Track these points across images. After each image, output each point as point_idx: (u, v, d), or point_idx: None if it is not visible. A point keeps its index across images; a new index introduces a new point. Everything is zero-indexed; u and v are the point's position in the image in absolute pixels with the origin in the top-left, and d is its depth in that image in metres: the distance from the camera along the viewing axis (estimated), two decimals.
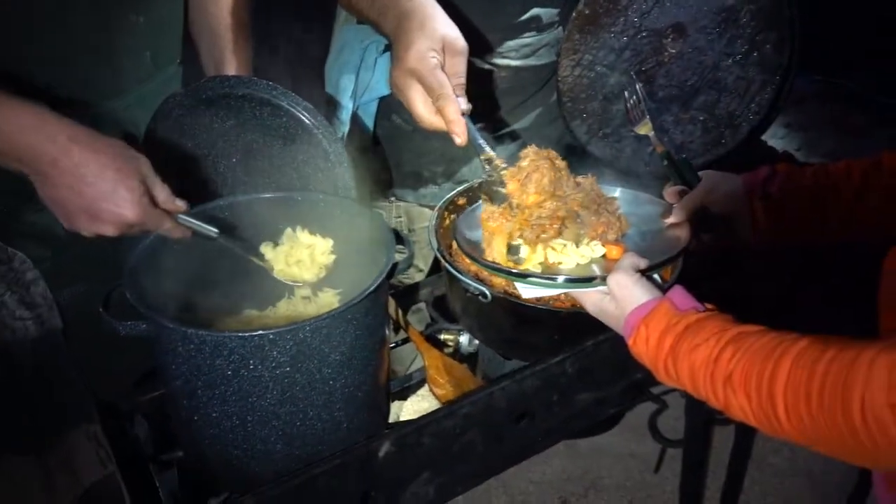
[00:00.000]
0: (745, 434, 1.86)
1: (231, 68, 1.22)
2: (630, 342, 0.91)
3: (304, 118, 1.11)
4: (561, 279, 1.01)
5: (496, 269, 1.06)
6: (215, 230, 1.02)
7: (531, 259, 1.07)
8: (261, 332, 0.85)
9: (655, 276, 1.03)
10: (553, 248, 1.07)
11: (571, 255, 1.06)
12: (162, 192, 0.96)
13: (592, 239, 1.10)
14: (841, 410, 0.68)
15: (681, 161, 1.18)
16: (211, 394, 0.90)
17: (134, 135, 1.22)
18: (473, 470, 1.07)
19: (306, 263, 1.07)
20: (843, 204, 1.03)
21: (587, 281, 1.00)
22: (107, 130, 1.18)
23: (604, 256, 1.08)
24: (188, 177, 1.19)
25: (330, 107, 1.44)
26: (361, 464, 0.92)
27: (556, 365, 1.08)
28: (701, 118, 1.39)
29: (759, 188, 1.08)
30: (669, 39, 1.29)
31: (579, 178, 1.21)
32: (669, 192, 1.17)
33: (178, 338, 0.87)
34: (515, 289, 1.22)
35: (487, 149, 1.09)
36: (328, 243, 1.11)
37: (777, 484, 2.18)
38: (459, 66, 1.05)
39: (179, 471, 1.07)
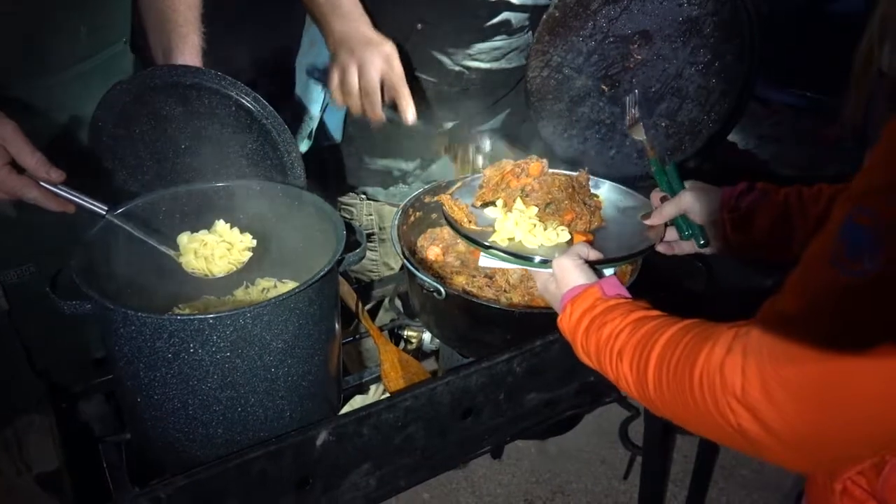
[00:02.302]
0: (710, 444, 1.86)
1: (180, 56, 1.21)
2: (558, 319, 0.98)
3: (252, 108, 1.12)
4: (516, 256, 1.08)
5: (465, 235, 1.14)
6: (104, 207, 0.99)
7: (501, 232, 1.13)
8: (200, 316, 0.87)
9: (609, 271, 1.06)
10: (520, 212, 1.14)
11: (538, 235, 1.12)
12: (31, 159, 0.94)
13: (561, 224, 1.15)
14: (688, 376, 0.73)
15: (669, 167, 1.21)
16: (152, 376, 0.91)
17: (79, 115, 1.21)
18: (416, 463, 1.07)
19: (214, 258, 1.07)
20: (809, 227, 1.05)
21: (535, 260, 1.07)
22: (42, 108, 1.19)
23: (569, 243, 1.13)
24: (138, 163, 1.19)
25: (303, 97, 1.46)
26: (298, 451, 0.93)
27: (504, 363, 1.09)
28: (663, 124, 1.41)
29: (732, 200, 1.12)
30: (636, 46, 1.31)
31: (573, 173, 1.27)
32: (655, 195, 1.22)
33: (120, 319, 0.88)
34: (472, 288, 1.24)
35: None
36: (247, 240, 1.10)
37: (744, 496, 2.18)
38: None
39: (127, 453, 1.08)
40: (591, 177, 1.29)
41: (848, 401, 0.64)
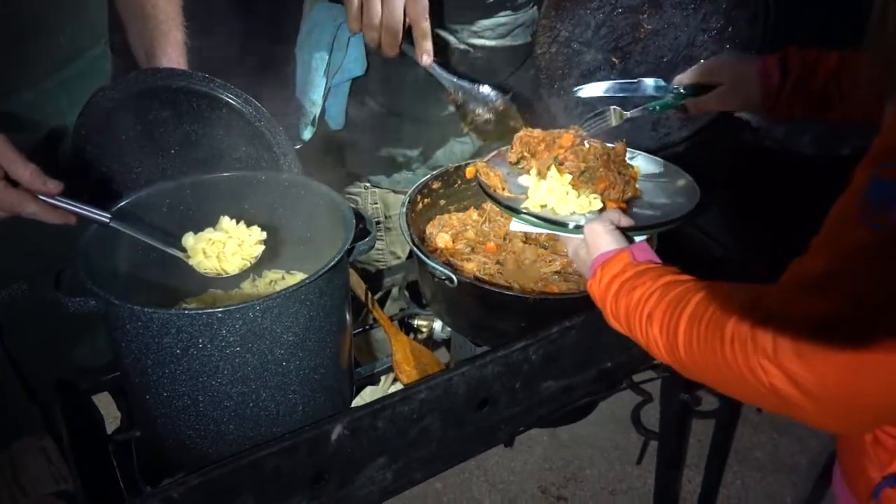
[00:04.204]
0: (725, 428, 1.84)
1: (163, 56, 1.17)
2: (588, 284, 0.98)
3: (243, 110, 1.08)
4: (547, 221, 1.08)
5: (498, 200, 1.13)
6: (106, 215, 0.95)
7: (533, 198, 1.12)
8: (208, 310, 0.84)
9: (640, 238, 1.04)
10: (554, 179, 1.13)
11: (571, 202, 1.11)
12: (25, 172, 0.89)
13: (594, 192, 1.13)
14: (719, 338, 0.74)
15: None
16: (161, 372, 0.89)
17: (62, 125, 1.16)
18: (432, 455, 1.05)
19: (226, 256, 1.03)
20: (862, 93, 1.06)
21: (568, 226, 1.06)
22: (24, 121, 1.13)
23: (602, 211, 1.11)
24: (127, 170, 1.15)
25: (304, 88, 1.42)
26: (312, 446, 0.91)
27: (519, 351, 1.06)
28: None
29: (777, 67, 1.13)
30: (645, 15, 1.28)
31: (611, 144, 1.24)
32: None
33: (126, 315, 0.86)
34: (484, 275, 1.22)
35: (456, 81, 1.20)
36: (257, 233, 1.07)
37: (759, 479, 2.16)
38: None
39: (137, 451, 1.06)
40: (630, 150, 1.26)
41: (880, 359, 0.64)
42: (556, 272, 1.24)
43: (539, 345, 1.08)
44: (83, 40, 1.21)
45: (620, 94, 1.25)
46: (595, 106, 1.34)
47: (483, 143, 1.25)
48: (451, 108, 1.42)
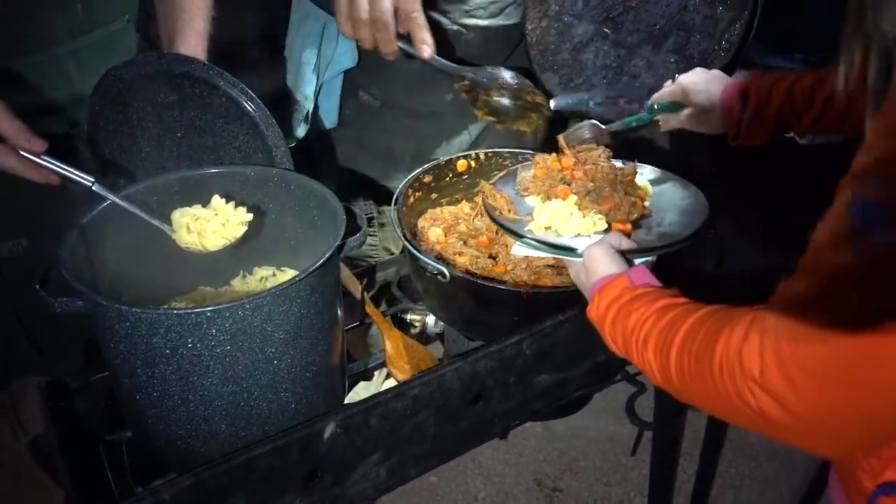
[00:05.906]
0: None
1: (182, 42, 1.17)
2: (587, 309, 0.98)
3: (239, 100, 1.08)
4: (549, 245, 1.06)
5: (500, 224, 1.12)
6: (90, 178, 0.96)
7: (538, 220, 1.11)
8: (197, 309, 0.83)
9: (641, 261, 1.02)
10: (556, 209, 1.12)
11: (575, 224, 1.10)
12: (10, 127, 0.91)
13: (598, 213, 1.12)
14: (708, 361, 0.73)
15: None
16: (150, 372, 0.88)
17: (69, 92, 1.17)
18: (426, 451, 1.05)
19: (207, 233, 1.02)
20: (815, 110, 1.13)
21: (569, 250, 1.05)
22: (28, 81, 1.17)
23: (606, 232, 1.10)
24: (137, 149, 1.16)
25: (297, 81, 1.40)
26: (305, 445, 0.90)
27: (513, 346, 1.06)
28: (672, 60, 1.36)
29: (737, 98, 1.18)
30: None
31: (620, 164, 1.24)
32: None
33: (114, 315, 0.85)
34: (476, 269, 1.21)
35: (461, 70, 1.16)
36: (241, 214, 1.06)
37: (754, 467, 2.17)
38: None
39: (128, 451, 1.05)
40: (640, 165, 1.26)
41: (869, 380, 0.63)
42: (549, 265, 1.23)
43: (532, 339, 1.08)
44: (102, 13, 1.23)
45: (601, 102, 1.29)
46: (592, 81, 1.34)
47: (503, 126, 1.22)
48: (448, 98, 1.41)
